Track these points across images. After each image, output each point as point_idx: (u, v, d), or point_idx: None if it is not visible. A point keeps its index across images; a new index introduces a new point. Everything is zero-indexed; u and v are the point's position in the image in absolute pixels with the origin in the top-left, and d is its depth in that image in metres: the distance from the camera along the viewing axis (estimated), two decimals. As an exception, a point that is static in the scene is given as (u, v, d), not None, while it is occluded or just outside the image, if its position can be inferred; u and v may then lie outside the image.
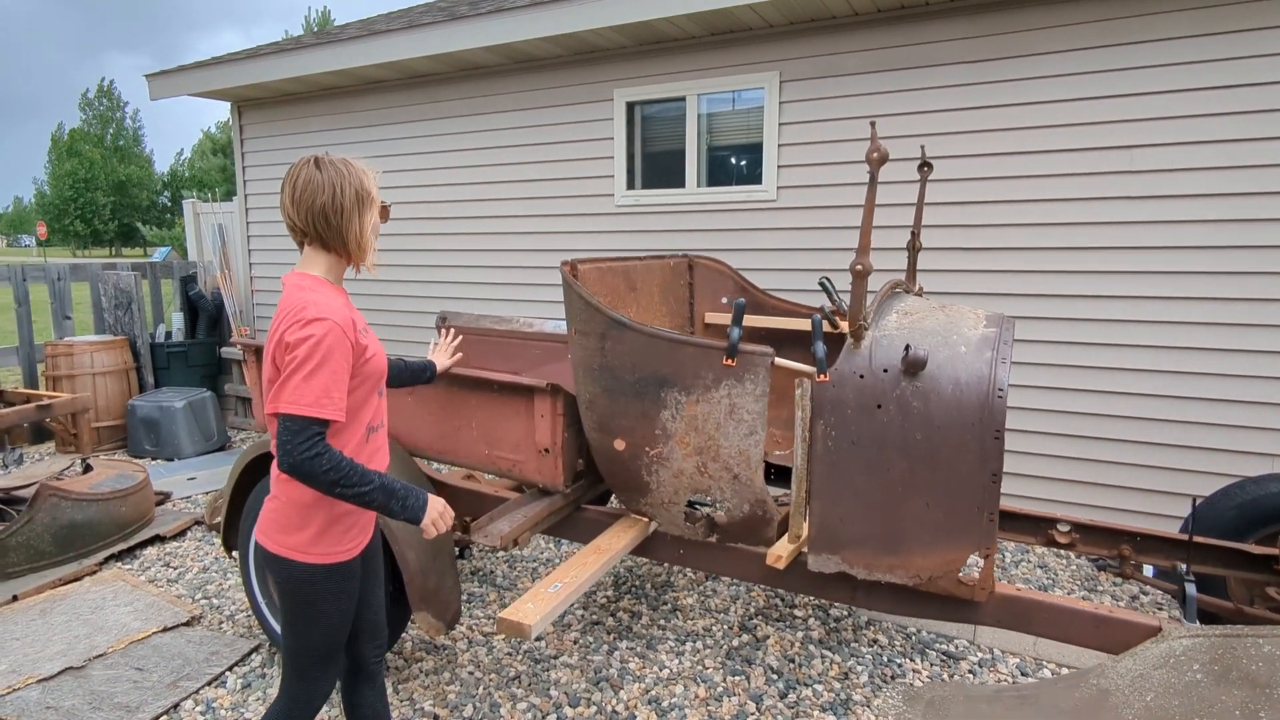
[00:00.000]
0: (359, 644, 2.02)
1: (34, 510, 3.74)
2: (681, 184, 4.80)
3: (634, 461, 2.44)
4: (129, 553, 4.08)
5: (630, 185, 4.97)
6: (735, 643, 3.21)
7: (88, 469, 4.47)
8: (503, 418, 2.71)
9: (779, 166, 4.48)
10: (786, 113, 4.43)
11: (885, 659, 3.09)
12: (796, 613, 3.45)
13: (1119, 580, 3.77)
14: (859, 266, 2.14)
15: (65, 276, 6.32)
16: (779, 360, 2.30)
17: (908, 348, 2.14)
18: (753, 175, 4.60)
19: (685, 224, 4.79)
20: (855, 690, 2.88)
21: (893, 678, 2.96)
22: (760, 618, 3.41)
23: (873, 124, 2.10)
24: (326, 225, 1.73)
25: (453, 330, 2.59)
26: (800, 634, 3.28)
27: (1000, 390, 2.09)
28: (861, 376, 2.21)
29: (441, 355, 2.49)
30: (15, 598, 3.53)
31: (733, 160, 4.70)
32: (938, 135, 4.09)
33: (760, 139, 4.53)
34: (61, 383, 5.80)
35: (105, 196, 54.66)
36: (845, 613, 3.46)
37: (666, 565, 3.93)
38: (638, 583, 3.76)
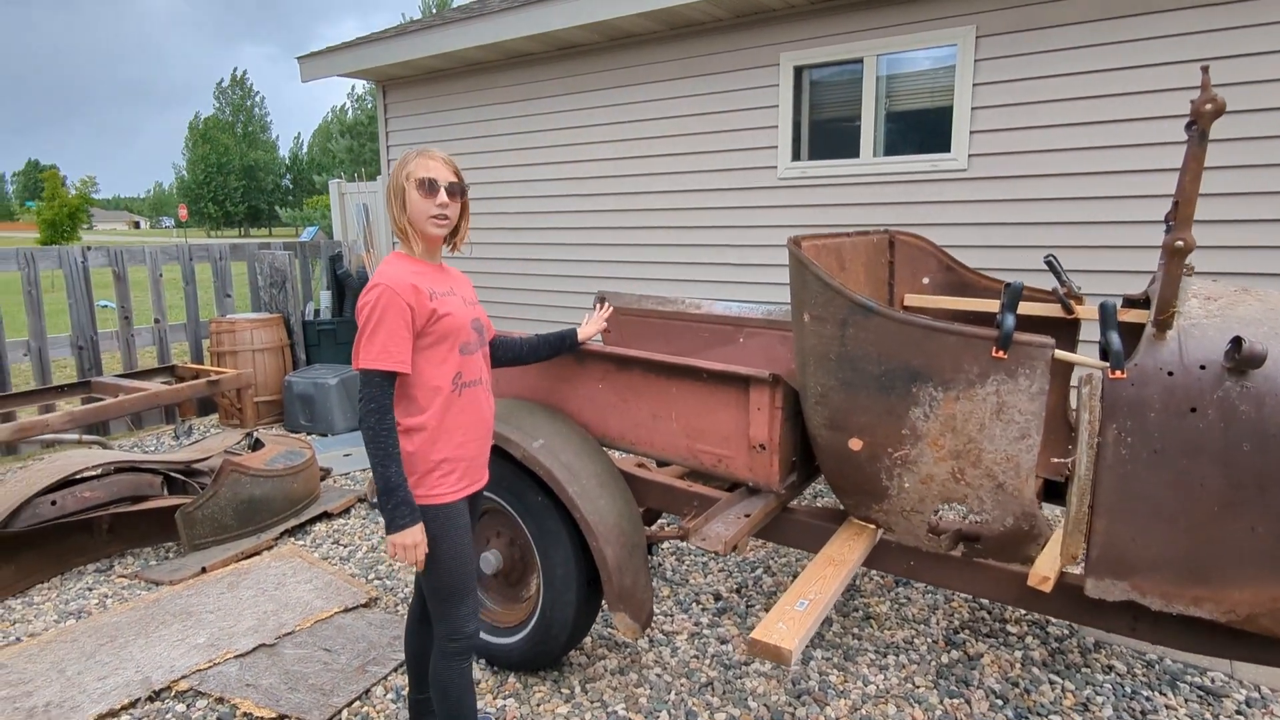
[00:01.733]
0: None
1: (218, 485, 3.83)
2: (855, 154, 4.43)
3: (872, 464, 2.16)
4: (300, 528, 4.15)
5: (796, 156, 4.64)
6: (945, 659, 2.90)
7: (257, 445, 4.59)
8: (710, 409, 2.49)
9: (971, 132, 4.05)
10: (982, 71, 3.98)
11: (1128, 690, 2.71)
12: (1010, 629, 3.10)
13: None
14: (1179, 242, 1.78)
15: (226, 256, 6.57)
16: (1060, 353, 1.97)
17: (1239, 340, 1.76)
18: (939, 143, 4.18)
19: (858, 197, 4.43)
20: (1100, 726, 2.53)
21: (1143, 714, 2.59)
22: (968, 631, 3.09)
23: (1204, 69, 1.73)
24: (388, 212, 2.00)
25: (608, 304, 2.50)
26: (1019, 653, 2.94)
27: (1369, 394, 1.69)
28: (1170, 374, 1.85)
29: (590, 326, 2.61)
30: (204, 569, 3.62)
31: (916, 127, 4.29)
32: (1157, 93, 3.56)
33: (949, 102, 4.11)
34: (225, 358, 6.03)
35: (236, 180, 58.35)
36: (1068, 632, 3.08)
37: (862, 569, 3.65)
38: (819, 585, 3.49)
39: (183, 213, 37.13)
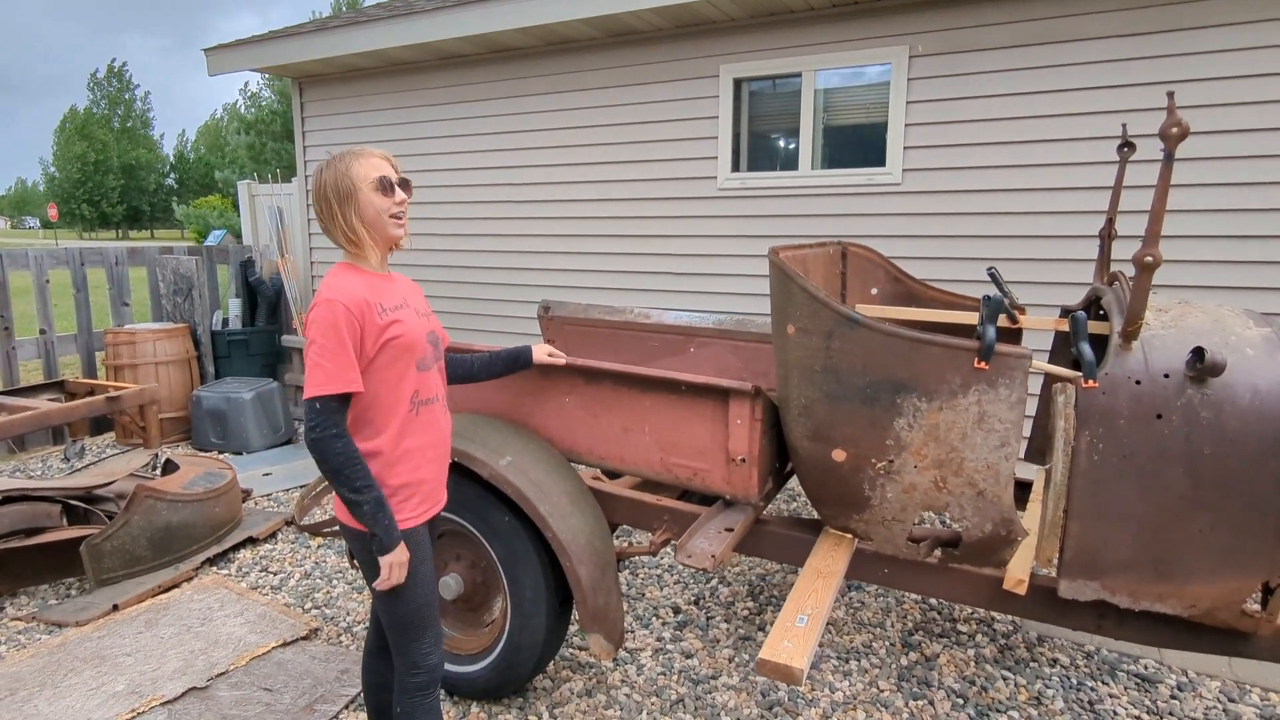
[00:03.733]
0: None
1: (130, 512, 3.50)
2: (794, 166, 4.52)
3: (855, 474, 2.18)
4: (223, 556, 3.85)
5: (735, 168, 4.69)
6: (904, 661, 2.97)
7: (168, 466, 4.24)
8: (685, 422, 2.45)
9: (905, 148, 4.20)
10: (915, 90, 4.14)
11: (1074, 682, 2.85)
12: (961, 628, 3.21)
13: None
14: (1148, 258, 1.87)
15: (124, 261, 6.06)
16: (1037, 363, 2.04)
17: (1200, 350, 1.87)
18: (875, 157, 4.31)
19: (797, 209, 4.51)
20: (1056, 718, 2.64)
21: (1090, 705, 2.72)
22: (921, 633, 3.17)
23: (1170, 94, 1.83)
24: (327, 221, 1.86)
25: (564, 357, 2.53)
26: (971, 651, 3.04)
27: (1317, 400, 1.83)
28: (1138, 382, 1.94)
29: (543, 354, 2.53)
30: (116, 607, 3.30)
31: (853, 141, 4.41)
32: (1085, 115, 3.80)
33: (885, 118, 4.24)
34: (124, 372, 5.56)
35: (115, 179, 54.23)
36: (1012, 628, 3.22)
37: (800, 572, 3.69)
38: (775, 592, 3.52)
39: (52, 213, 34.17)
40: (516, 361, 2.47)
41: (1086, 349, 1.99)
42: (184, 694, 2.74)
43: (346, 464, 1.74)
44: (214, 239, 8.08)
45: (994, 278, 3.05)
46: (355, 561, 1.93)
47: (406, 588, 1.88)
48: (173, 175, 63.48)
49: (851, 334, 2.08)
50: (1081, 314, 2.02)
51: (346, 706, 2.70)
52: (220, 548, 3.82)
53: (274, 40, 5.79)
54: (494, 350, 2.47)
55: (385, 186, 1.84)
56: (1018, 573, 2.17)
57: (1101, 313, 2.88)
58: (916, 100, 4.15)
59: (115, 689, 2.76)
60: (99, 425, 5.84)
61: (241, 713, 2.64)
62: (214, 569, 3.73)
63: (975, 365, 2.00)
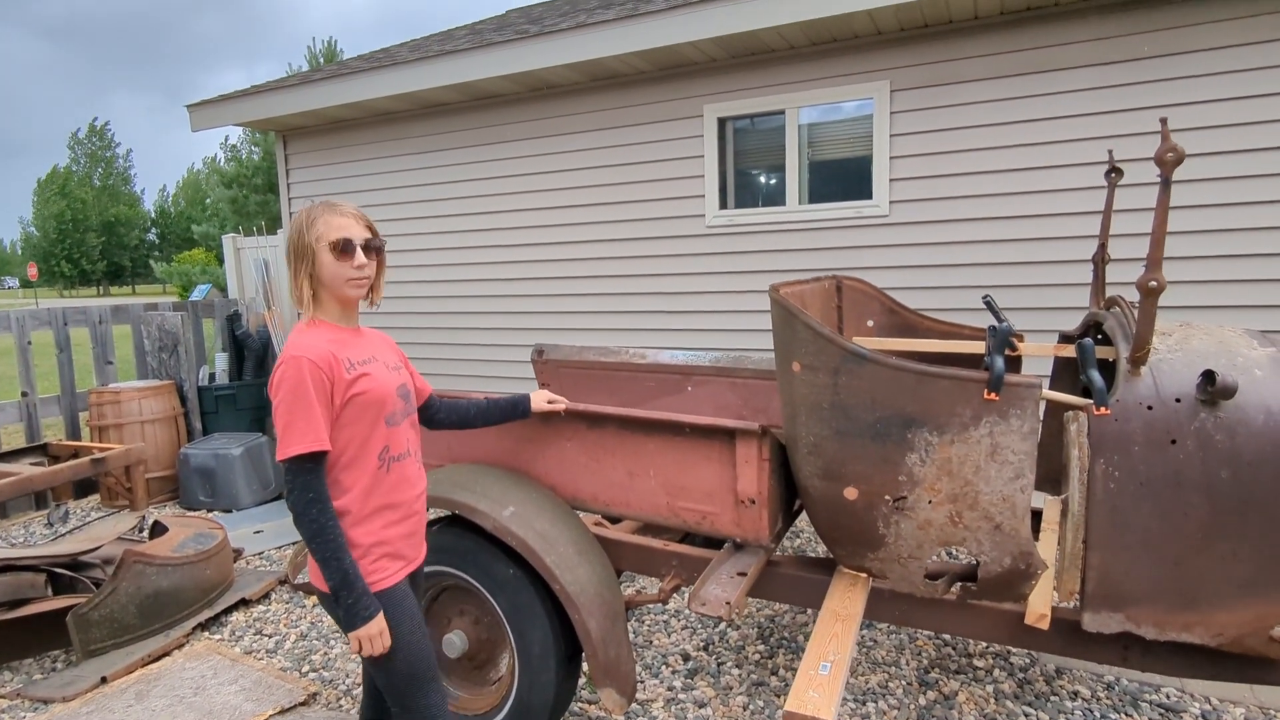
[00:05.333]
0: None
1: (119, 580, 3.39)
2: (781, 201, 4.55)
3: (868, 512, 2.14)
4: (215, 620, 3.72)
5: (723, 205, 4.71)
6: (922, 700, 2.89)
7: (156, 529, 4.12)
8: (692, 464, 2.41)
9: (891, 180, 4.24)
10: (899, 123, 4.19)
11: (1096, 715, 2.78)
12: (977, 663, 3.14)
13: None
14: (1153, 283, 1.87)
15: (107, 319, 5.98)
16: (1047, 392, 2.02)
17: (1211, 374, 1.86)
18: (861, 190, 4.35)
19: (785, 243, 4.53)
20: (1081, 755, 2.57)
21: (1116, 738, 2.65)
22: (938, 670, 3.10)
23: (1163, 120, 1.84)
24: (291, 273, 1.82)
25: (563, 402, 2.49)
26: (990, 687, 2.97)
27: (1330, 419, 1.81)
28: (1150, 408, 1.93)
29: (543, 401, 2.48)
30: (104, 679, 3.17)
31: (839, 175, 4.45)
32: (1070, 142, 3.86)
33: (869, 151, 4.29)
34: (109, 432, 5.44)
35: (95, 237, 54.08)
36: (1029, 661, 3.15)
37: (809, 612, 3.61)
38: (785, 634, 3.44)
39: (31, 272, 33.94)
40: (514, 410, 2.42)
41: (1096, 376, 1.97)
42: (178, 771, 2.62)
43: (319, 533, 1.70)
44: (199, 293, 8.02)
45: (989, 305, 3.05)
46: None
47: (395, 650, 1.82)
48: (154, 231, 63.42)
49: (859, 369, 2.06)
50: (1088, 341, 2.01)
51: (349, 776, 2.58)
52: (212, 611, 3.69)
53: (257, 95, 5.82)
54: (491, 398, 2.42)
55: (345, 250, 1.79)
56: (1039, 607, 2.12)
57: (1100, 337, 2.88)
58: (900, 133, 4.21)
59: (105, 769, 2.63)
60: (84, 488, 5.70)
61: (239, 788, 2.52)
62: (206, 634, 3.60)
63: (985, 397, 1.98)
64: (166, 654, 3.40)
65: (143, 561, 3.47)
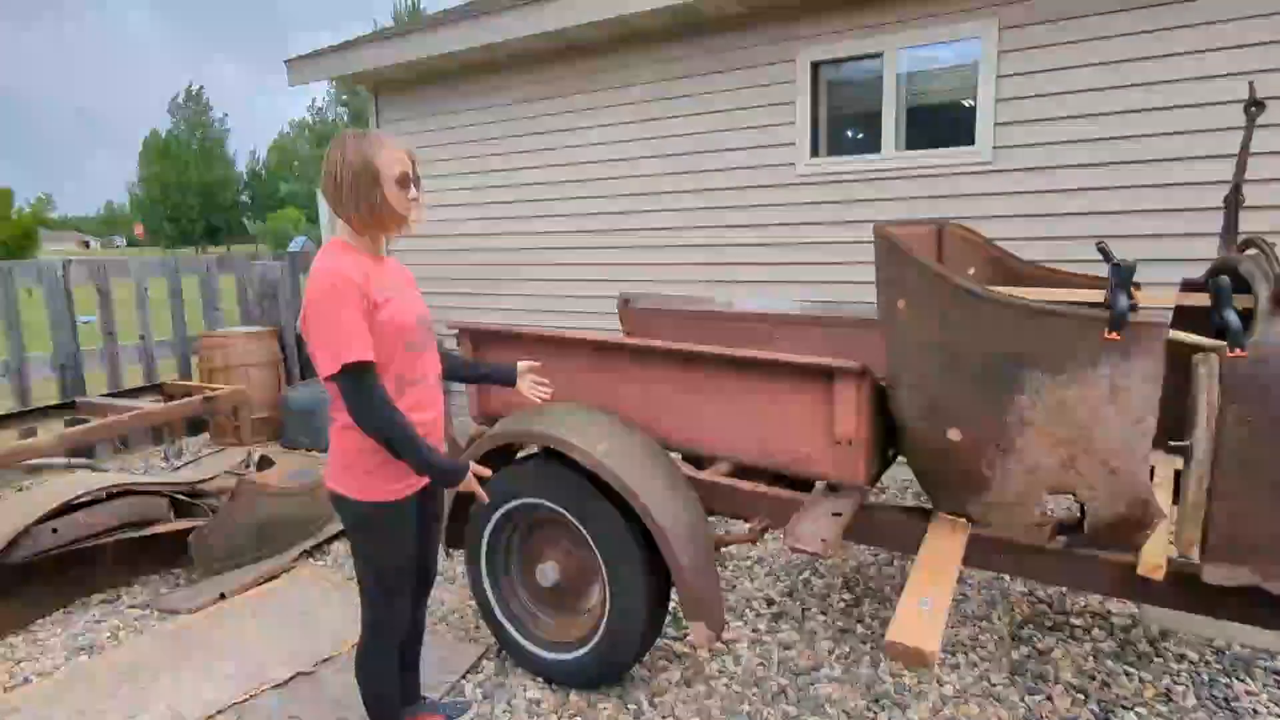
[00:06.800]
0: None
1: (234, 505, 3.62)
2: (876, 149, 4.39)
3: (973, 455, 2.08)
4: (319, 548, 3.95)
5: (815, 153, 4.59)
6: (1015, 655, 2.84)
7: (264, 462, 4.38)
8: (787, 404, 2.39)
9: (995, 125, 4.03)
10: (1006, 64, 3.97)
11: (1205, 679, 2.67)
12: (1075, 622, 3.05)
13: None
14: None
15: (214, 269, 6.31)
16: (1175, 332, 1.91)
17: (1365, 313, 1.72)
18: (962, 136, 4.16)
19: (879, 192, 4.39)
20: (1186, 715, 2.48)
21: (1226, 702, 2.54)
22: (1032, 626, 3.02)
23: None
24: (343, 197, 1.85)
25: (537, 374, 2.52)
26: (1088, 646, 2.88)
27: None
28: (1293, 350, 1.80)
29: (528, 380, 2.43)
30: (223, 596, 3.41)
31: (938, 121, 4.27)
32: (1199, 80, 3.58)
33: (971, 95, 4.09)
34: (217, 374, 5.78)
35: (194, 198, 56.94)
36: (1131, 622, 3.04)
37: (896, 564, 3.57)
38: (871, 584, 3.41)
39: (139, 231, 36.05)
40: (492, 376, 2.39)
41: (1233, 316, 1.85)
42: (293, 678, 2.81)
43: (399, 432, 1.82)
44: (296, 245, 8.35)
45: (1104, 252, 2.88)
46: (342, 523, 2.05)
47: (379, 561, 1.99)
48: (246, 192, 66.28)
49: (971, 307, 1.99)
50: (1225, 279, 1.88)
51: (447, 692, 2.72)
52: (316, 540, 3.92)
53: (353, 49, 5.95)
54: (475, 361, 2.44)
55: (405, 183, 1.88)
56: (1154, 557, 2.03)
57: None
58: (1008, 74, 3.98)
59: (227, 672, 2.85)
60: (194, 426, 6.09)
61: (348, 697, 2.68)
62: (311, 561, 3.83)
63: (1106, 336, 1.88)
64: (275, 577, 3.63)
65: (256, 489, 3.69)
